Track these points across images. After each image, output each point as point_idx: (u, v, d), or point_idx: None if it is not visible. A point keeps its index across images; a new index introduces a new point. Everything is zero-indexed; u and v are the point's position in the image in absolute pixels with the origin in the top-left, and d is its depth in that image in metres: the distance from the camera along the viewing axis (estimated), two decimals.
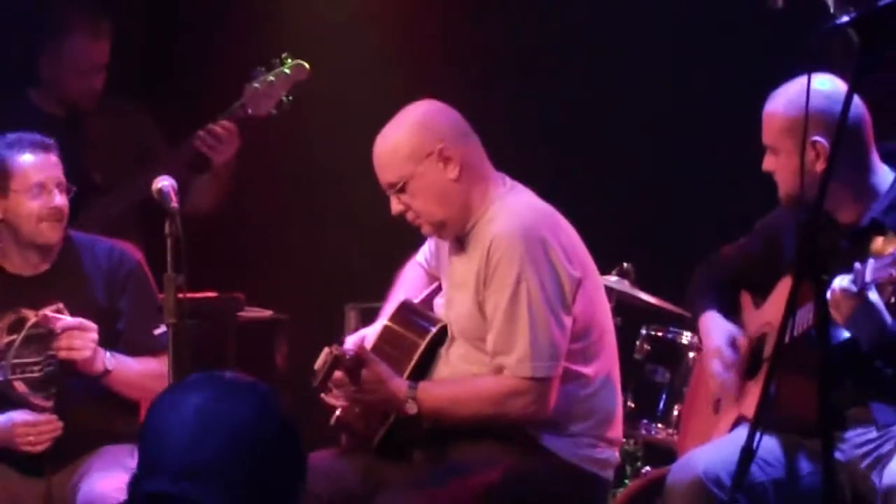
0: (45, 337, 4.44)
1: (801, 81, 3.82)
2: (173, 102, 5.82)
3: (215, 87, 5.51)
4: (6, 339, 4.46)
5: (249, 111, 5.17)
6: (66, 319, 4.37)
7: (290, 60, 5.17)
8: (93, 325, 4.37)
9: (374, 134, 4.24)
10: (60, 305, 4.42)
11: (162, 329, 4.23)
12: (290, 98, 5.16)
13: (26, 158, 4.42)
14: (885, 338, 3.81)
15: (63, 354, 4.35)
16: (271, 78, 5.15)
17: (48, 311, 4.42)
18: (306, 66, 5.15)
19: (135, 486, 2.33)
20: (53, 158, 4.45)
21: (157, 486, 2.29)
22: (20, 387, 4.46)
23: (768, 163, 4.03)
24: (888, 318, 3.78)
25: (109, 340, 4.44)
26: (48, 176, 4.42)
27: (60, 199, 4.44)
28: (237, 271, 5.84)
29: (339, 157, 5.60)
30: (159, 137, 5.48)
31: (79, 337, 4.35)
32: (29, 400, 4.42)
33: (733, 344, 4.24)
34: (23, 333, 4.45)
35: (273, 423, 2.34)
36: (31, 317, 4.44)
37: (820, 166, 3.84)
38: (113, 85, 5.50)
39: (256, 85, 5.14)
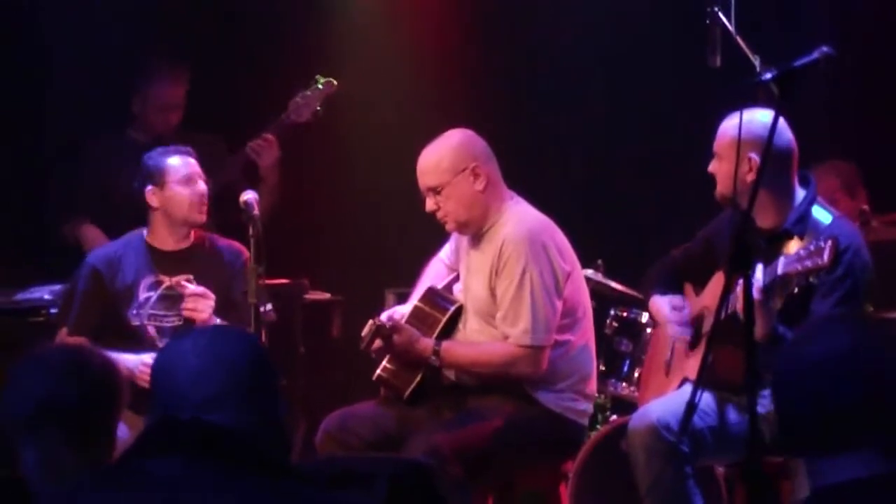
0: (175, 298, 4.93)
1: (755, 111, 4.05)
2: (237, 117, 6.29)
3: (269, 104, 6.06)
4: (145, 295, 4.96)
5: (293, 118, 5.80)
6: (193, 287, 4.87)
7: (321, 78, 5.81)
8: (212, 295, 4.85)
9: (412, 152, 4.66)
10: (190, 277, 4.94)
11: (269, 306, 4.70)
12: (321, 109, 5.80)
13: (175, 159, 4.95)
14: (772, 335, 4.03)
15: (187, 314, 4.85)
16: (308, 92, 5.80)
17: (181, 279, 4.92)
18: (334, 82, 5.79)
19: (160, 417, 2.32)
20: (192, 160, 4.97)
21: (186, 416, 2.29)
22: (152, 331, 4.94)
23: (713, 166, 4.28)
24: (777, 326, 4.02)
25: (224, 307, 4.91)
26: (192, 170, 4.95)
27: (203, 187, 4.96)
28: (304, 263, 6.17)
29: (383, 173, 6.18)
30: (226, 152, 6.04)
31: (201, 302, 4.84)
32: (157, 343, 4.87)
33: (678, 307, 4.53)
34: (158, 292, 4.94)
35: (256, 350, 2.43)
36: (166, 281, 4.93)
37: (750, 177, 4.07)
38: (188, 115, 6.03)
39: (298, 99, 5.83)
